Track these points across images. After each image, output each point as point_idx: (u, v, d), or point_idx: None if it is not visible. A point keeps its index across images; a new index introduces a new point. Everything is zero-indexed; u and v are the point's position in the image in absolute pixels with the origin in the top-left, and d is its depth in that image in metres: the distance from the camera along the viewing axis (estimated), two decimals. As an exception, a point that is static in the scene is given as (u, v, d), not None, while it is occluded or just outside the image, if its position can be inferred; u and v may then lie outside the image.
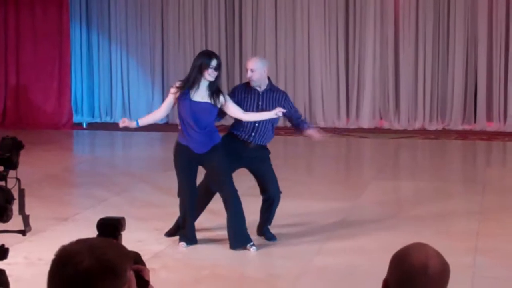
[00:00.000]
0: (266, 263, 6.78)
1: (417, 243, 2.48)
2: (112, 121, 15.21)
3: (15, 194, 3.16)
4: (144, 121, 7.36)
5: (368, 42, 14.34)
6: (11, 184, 3.13)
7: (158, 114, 7.38)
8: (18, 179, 3.16)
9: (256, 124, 7.19)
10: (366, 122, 14.43)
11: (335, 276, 6.37)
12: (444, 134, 13.77)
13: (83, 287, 1.96)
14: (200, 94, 6.95)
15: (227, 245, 7.11)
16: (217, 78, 6.98)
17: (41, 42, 14.76)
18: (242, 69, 14.55)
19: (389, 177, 10.63)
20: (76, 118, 15.16)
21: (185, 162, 7.08)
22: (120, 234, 2.19)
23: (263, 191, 7.38)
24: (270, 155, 7.43)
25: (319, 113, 14.58)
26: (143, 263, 2.14)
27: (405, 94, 14.33)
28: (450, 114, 14.23)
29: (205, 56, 7.01)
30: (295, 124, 7.54)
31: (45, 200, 8.73)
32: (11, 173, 3.18)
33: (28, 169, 9.85)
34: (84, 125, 15.04)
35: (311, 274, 6.46)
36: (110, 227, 2.17)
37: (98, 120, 15.32)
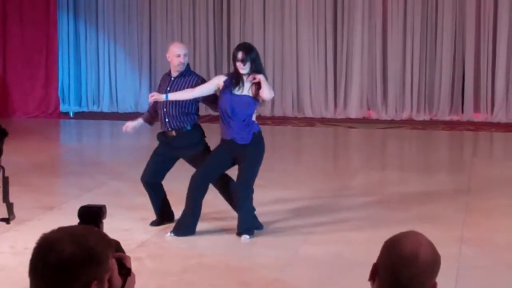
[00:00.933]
0: (253, 252, 6.78)
1: (411, 231, 2.48)
2: (99, 110, 15.19)
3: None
4: (173, 96, 7.25)
5: (356, 32, 14.35)
6: (-5, 172, 3.12)
7: (190, 94, 7.14)
8: (2, 167, 3.13)
9: (164, 109, 7.18)
10: (353, 112, 14.45)
11: (321, 265, 6.38)
12: (431, 124, 13.81)
13: (66, 275, 1.96)
14: (241, 87, 6.96)
15: (214, 235, 7.13)
16: (253, 69, 6.93)
17: (28, 30, 14.70)
18: (230, 59, 14.53)
19: (377, 167, 10.65)
20: (63, 107, 15.13)
21: (223, 151, 7.05)
22: (102, 222, 2.18)
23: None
24: (205, 139, 7.33)
25: (307, 103, 14.59)
26: (122, 251, 2.14)
27: (393, 84, 14.36)
28: (437, 105, 14.27)
29: (235, 49, 7.10)
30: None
31: (32, 189, 8.71)
32: (-4, 161, 3.16)
33: (15, 158, 9.85)
34: (71, 114, 15.00)
35: (297, 264, 6.46)
36: (92, 215, 2.16)
37: (85, 110, 15.29)
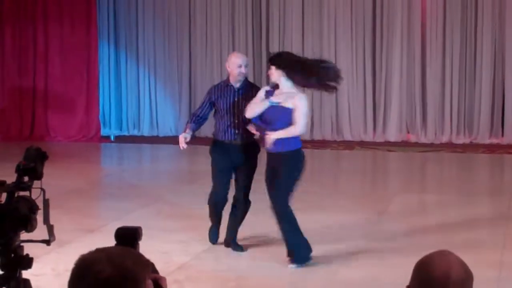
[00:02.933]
0: (291, 275, 6.77)
1: (440, 252, 2.49)
2: (139, 134, 15.32)
3: (40, 205, 3.20)
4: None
5: (395, 55, 14.33)
6: (36, 195, 3.17)
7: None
8: (42, 189, 3.18)
9: (236, 121, 7.18)
10: (393, 135, 14.41)
11: (359, 289, 6.36)
12: (471, 147, 13.70)
13: None
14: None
15: (253, 257, 7.14)
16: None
17: (69, 56, 14.92)
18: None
19: (416, 190, 10.60)
20: (104, 131, 15.28)
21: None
22: (138, 243, 2.21)
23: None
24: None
25: (346, 126, 14.58)
26: (157, 273, 2.16)
27: (432, 107, 14.29)
28: (477, 128, 14.16)
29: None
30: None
31: (72, 212, 8.81)
32: (36, 183, 3.20)
33: (56, 182, 9.97)
34: (112, 138, 15.15)
35: (335, 287, 6.45)
36: (128, 236, 2.19)
37: (125, 133, 15.43)
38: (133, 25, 15.34)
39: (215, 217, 7.47)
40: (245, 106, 7.01)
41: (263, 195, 7.09)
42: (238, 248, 7.35)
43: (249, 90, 7.24)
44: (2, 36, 15.07)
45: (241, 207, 7.33)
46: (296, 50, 14.69)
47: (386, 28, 14.38)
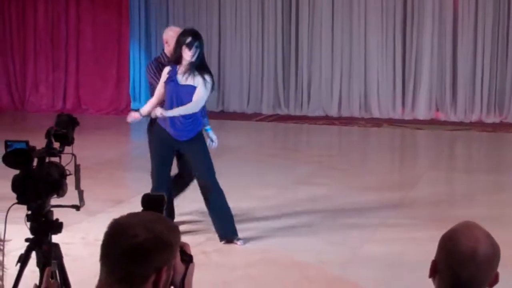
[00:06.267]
0: (316, 249, 6.81)
1: (465, 224, 2.47)
2: (169, 108, 15.39)
3: (71, 170, 3.26)
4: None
5: (425, 33, 14.25)
6: (66, 161, 3.23)
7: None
8: (73, 155, 3.25)
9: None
10: (422, 113, 14.36)
11: (382, 264, 6.39)
12: (501, 127, 13.63)
13: (139, 260, 2.02)
14: (185, 76, 6.45)
15: (278, 233, 7.19)
16: (198, 58, 6.42)
17: (100, 30, 15.02)
18: (299, 57, 14.58)
19: (444, 168, 10.57)
20: (134, 105, 15.37)
21: (162, 146, 6.91)
22: (163, 210, 2.29)
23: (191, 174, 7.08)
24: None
25: (374, 103, 14.55)
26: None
27: (462, 86, 14.22)
28: (508, 107, 14.08)
29: (182, 34, 6.46)
30: None
31: (103, 183, 8.93)
32: (67, 149, 3.27)
33: (87, 153, 10.08)
34: (142, 112, 15.23)
35: (358, 262, 6.49)
36: (154, 203, 2.27)
37: (155, 107, 15.50)
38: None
39: None
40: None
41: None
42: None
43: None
44: (36, 11, 15.19)
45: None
46: (325, 29, 14.71)
47: (417, 5, 14.29)
